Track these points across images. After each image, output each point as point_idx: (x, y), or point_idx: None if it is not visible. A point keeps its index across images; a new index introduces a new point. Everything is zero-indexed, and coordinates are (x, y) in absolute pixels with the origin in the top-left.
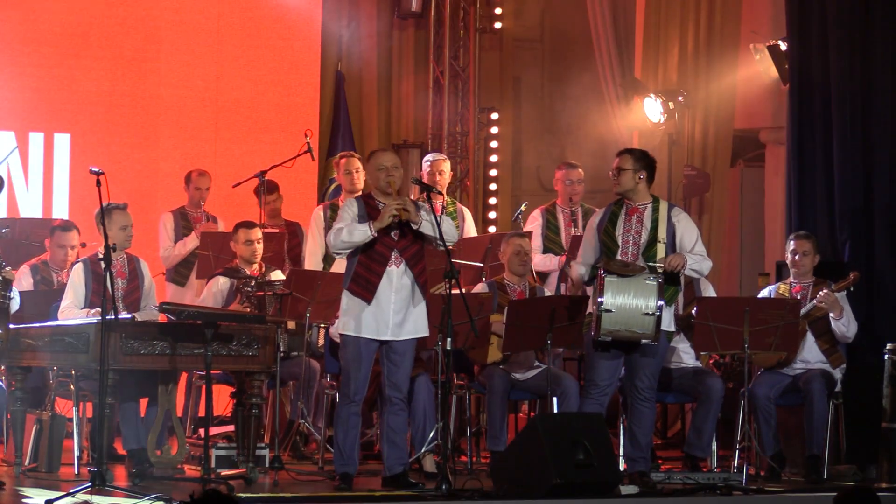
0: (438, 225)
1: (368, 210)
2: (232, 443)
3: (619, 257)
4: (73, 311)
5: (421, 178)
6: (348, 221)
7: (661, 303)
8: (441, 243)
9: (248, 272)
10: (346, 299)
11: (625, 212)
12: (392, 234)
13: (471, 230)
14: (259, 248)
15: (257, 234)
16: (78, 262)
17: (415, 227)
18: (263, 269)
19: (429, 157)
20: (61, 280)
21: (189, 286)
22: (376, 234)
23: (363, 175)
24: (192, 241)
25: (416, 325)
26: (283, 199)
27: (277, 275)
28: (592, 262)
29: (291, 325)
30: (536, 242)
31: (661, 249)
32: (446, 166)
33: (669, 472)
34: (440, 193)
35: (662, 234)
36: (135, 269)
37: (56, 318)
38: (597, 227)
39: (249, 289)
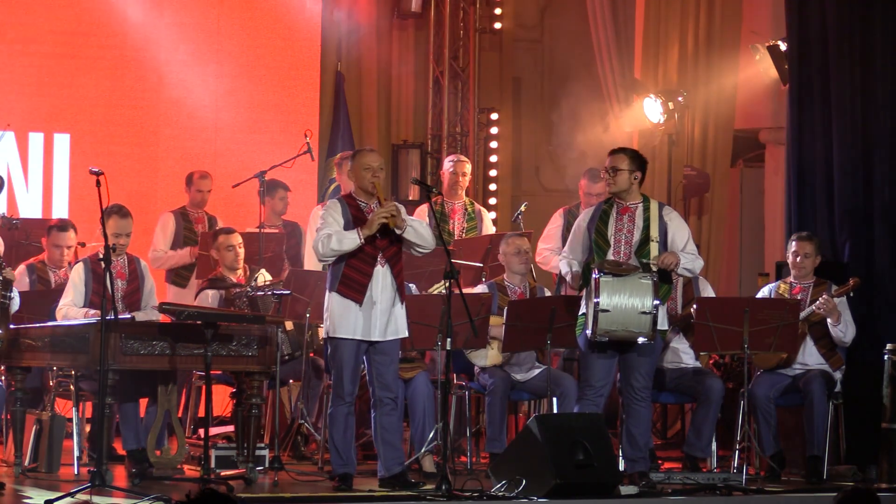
0: (438, 227)
1: (353, 211)
2: (232, 443)
3: (610, 256)
4: (72, 310)
5: (420, 179)
6: (333, 226)
7: (657, 302)
8: (422, 250)
9: (233, 279)
10: (334, 301)
11: (616, 211)
12: (376, 233)
13: (489, 231)
14: (241, 252)
15: (237, 238)
16: (79, 261)
17: (399, 231)
18: (247, 272)
19: (451, 157)
20: (59, 279)
21: (190, 287)
22: (364, 241)
23: None
24: (186, 257)
25: (397, 325)
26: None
27: (264, 274)
28: (579, 259)
29: (289, 325)
30: (556, 244)
31: (654, 248)
32: (468, 168)
33: (669, 473)
34: (439, 194)
35: (655, 232)
36: (135, 270)
37: (56, 319)
38: (587, 225)
39: (250, 289)
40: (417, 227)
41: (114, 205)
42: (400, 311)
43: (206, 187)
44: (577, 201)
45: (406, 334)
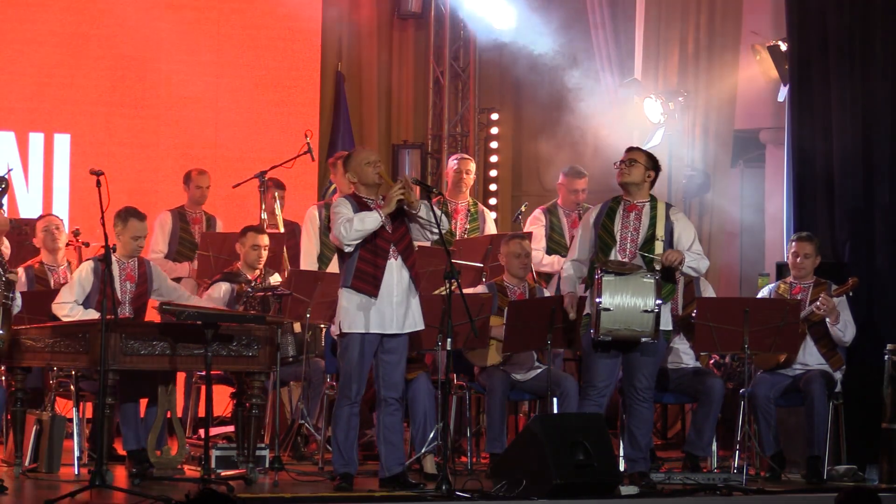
0: (437, 219)
1: (361, 208)
2: (232, 443)
3: (616, 253)
4: (75, 308)
5: (420, 179)
6: (350, 213)
7: (659, 301)
8: (436, 231)
9: (249, 277)
10: (349, 297)
11: (623, 208)
12: (387, 227)
13: (492, 231)
14: (265, 254)
15: (265, 240)
16: (88, 260)
17: (414, 211)
18: (263, 272)
19: (456, 156)
20: (57, 278)
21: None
22: (384, 220)
23: None
24: (185, 272)
25: (414, 318)
26: (284, 200)
27: (276, 278)
28: (587, 257)
29: (297, 327)
30: (542, 243)
31: (658, 247)
32: (472, 166)
33: (669, 473)
34: (440, 194)
35: (661, 231)
36: (145, 273)
37: (55, 319)
38: (593, 222)
39: (251, 289)
40: (428, 208)
41: (130, 207)
42: (416, 304)
43: (204, 183)
44: (553, 200)
45: (423, 326)
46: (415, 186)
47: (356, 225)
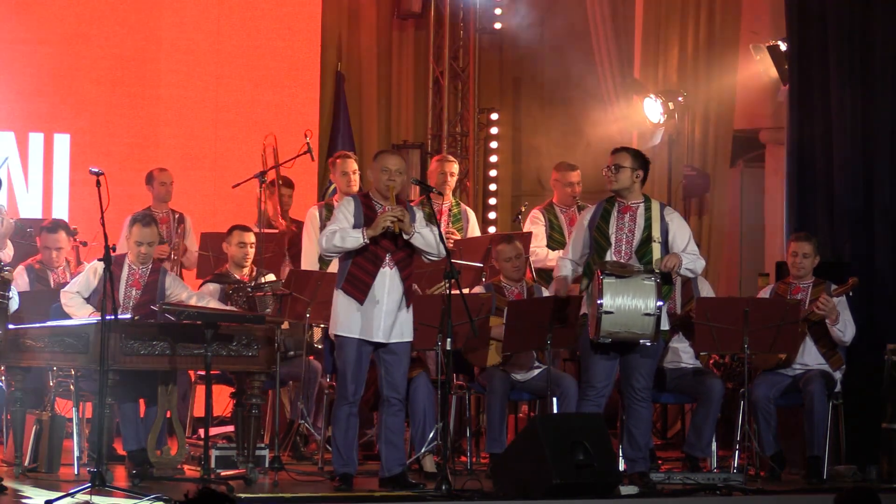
0: (439, 230)
1: (366, 210)
2: (232, 443)
3: (611, 255)
4: (76, 301)
5: (420, 179)
6: (343, 222)
7: (660, 303)
8: (432, 258)
9: (237, 277)
10: (340, 299)
11: (617, 210)
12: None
13: (474, 231)
14: (251, 252)
15: (251, 237)
16: (100, 259)
17: (406, 237)
18: (254, 272)
19: (438, 157)
20: (57, 278)
21: None
22: (368, 242)
23: (359, 176)
24: (163, 254)
25: (402, 328)
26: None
27: (270, 277)
28: (579, 258)
29: (285, 325)
30: (544, 241)
31: (655, 249)
32: (455, 168)
33: (669, 473)
34: (440, 194)
35: (657, 233)
36: (155, 283)
37: (55, 319)
38: (588, 223)
39: (250, 289)
40: (426, 235)
41: (138, 213)
42: (406, 315)
43: (168, 180)
44: (548, 199)
45: (411, 338)
46: (414, 186)
47: (336, 240)
